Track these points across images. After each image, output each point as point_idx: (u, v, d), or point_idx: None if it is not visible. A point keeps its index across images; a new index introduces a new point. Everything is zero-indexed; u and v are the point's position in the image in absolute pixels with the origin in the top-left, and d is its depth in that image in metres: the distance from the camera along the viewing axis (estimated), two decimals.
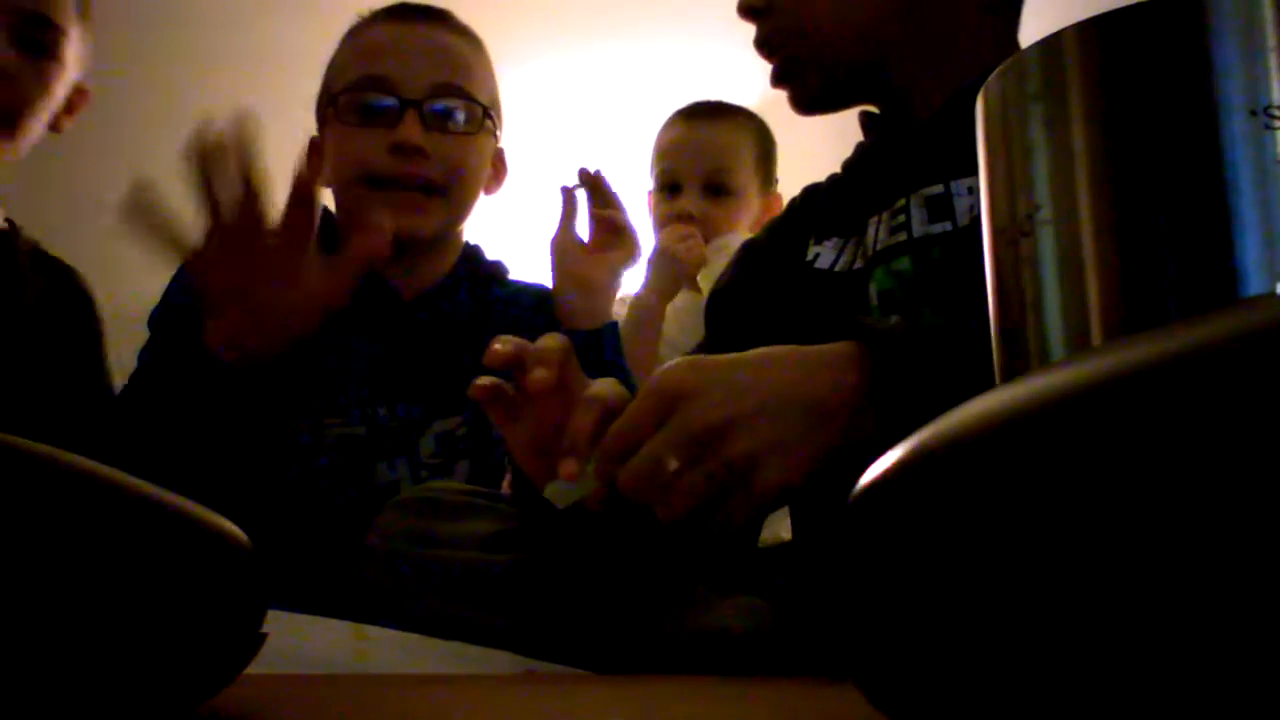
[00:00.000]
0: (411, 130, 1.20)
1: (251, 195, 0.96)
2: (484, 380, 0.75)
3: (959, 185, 0.84)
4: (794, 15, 0.92)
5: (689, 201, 1.80)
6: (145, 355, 1.18)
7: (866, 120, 0.99)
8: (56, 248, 1.35)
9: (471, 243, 1.35)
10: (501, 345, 0.74)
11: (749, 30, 0.97)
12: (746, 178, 1.82)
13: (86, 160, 2.20)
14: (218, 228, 0.95)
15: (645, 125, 1.96)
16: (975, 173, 0.82)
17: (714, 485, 0.63)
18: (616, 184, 1.23)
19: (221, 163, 0.94)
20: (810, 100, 0.95)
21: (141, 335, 1.22)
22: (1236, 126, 0.31)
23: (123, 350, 1.21)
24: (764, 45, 0.95)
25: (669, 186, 1.83)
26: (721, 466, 0.63)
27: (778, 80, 0.96)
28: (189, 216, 0.96)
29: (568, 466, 0.67)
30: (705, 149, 1.81)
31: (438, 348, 1.24)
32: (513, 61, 1.69)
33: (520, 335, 0.76)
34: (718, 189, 1.80)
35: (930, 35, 0.91)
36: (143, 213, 0.95)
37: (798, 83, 0.94)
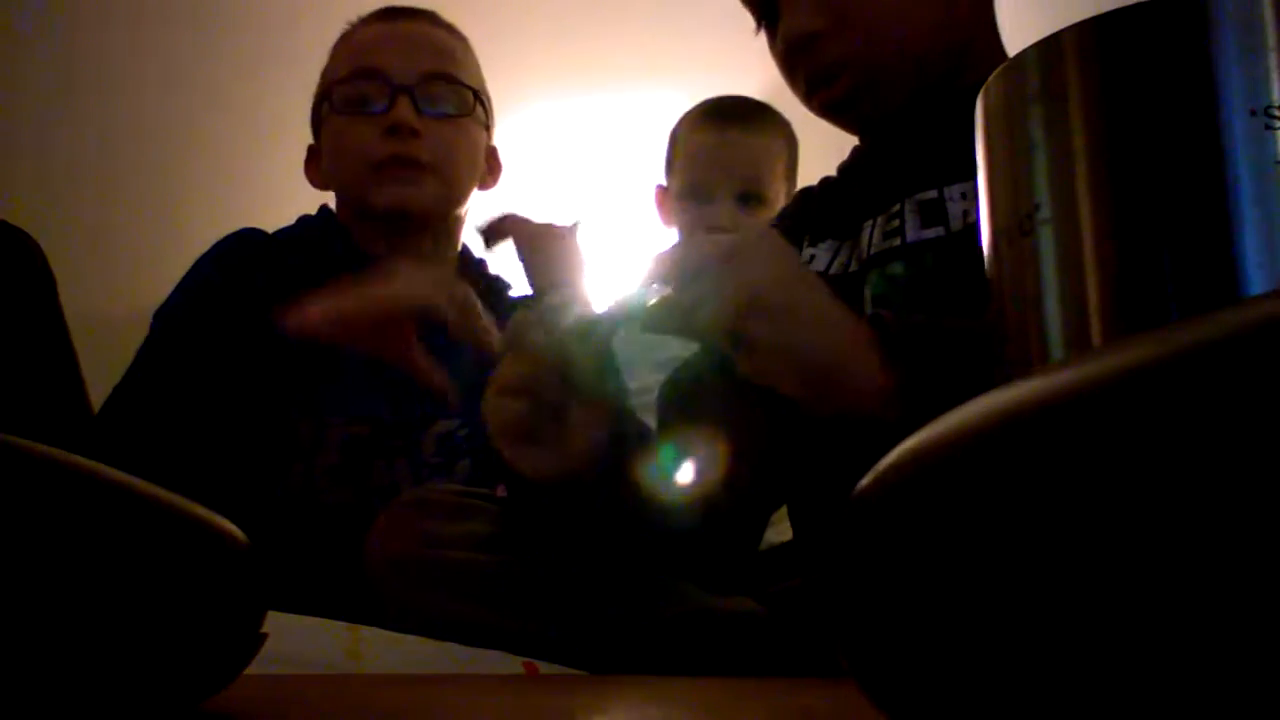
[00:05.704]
0: (405, 112, 1.24)
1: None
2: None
3: (952, 190, 0.84)
4: (868, 30, 0.85)
5: (722, 212, 1.70)
6: (144, 350, 1.18)
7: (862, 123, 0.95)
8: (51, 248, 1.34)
9: (478, 255, 1.37)
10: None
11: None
12: (778, 187, 1.72)
13: (85, 155, 2.20)
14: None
15: (645, 125, 1.94)
16: (969, 177, 0.82)
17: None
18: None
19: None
20: (881, 121, 0.90)
21: (133, 337, 1.22)
22: (1236, 126, 0.31)
23: (114, 353, 1.21)
24: (823, 76, 0.87)
25: (698, 194, 1.74)
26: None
27: (838, 109, 0.89)
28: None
29: None
30: (740, 159, 1.69)
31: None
32: (514, 56, 1.69)
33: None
34: (751, 199, 1.71)
35: (985, 31, 0.89)
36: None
37: (868, 106, 0.88)
